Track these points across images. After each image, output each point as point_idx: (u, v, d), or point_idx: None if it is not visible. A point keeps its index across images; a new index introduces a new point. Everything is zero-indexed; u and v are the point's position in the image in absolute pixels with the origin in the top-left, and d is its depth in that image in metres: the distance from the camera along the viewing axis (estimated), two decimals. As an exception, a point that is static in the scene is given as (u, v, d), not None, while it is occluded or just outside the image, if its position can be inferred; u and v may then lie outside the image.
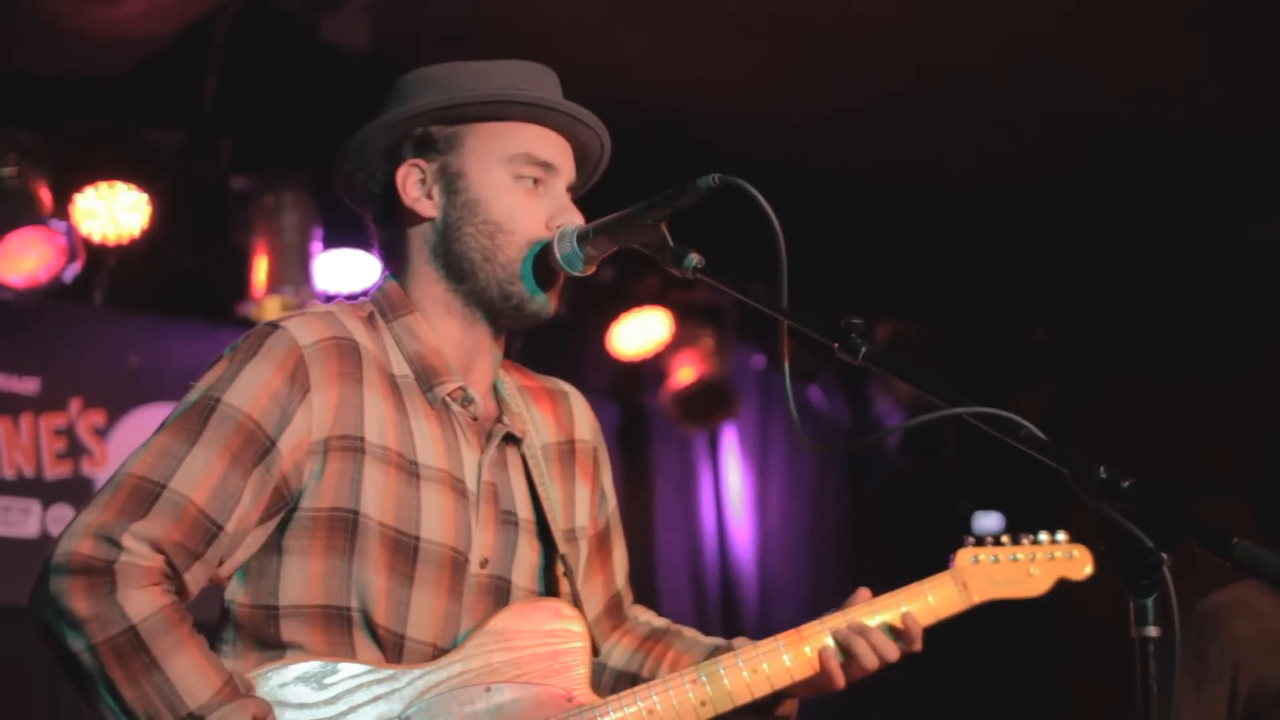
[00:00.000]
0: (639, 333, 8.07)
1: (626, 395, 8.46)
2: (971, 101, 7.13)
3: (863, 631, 3.36)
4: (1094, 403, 8.28)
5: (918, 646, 3.43)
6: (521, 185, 3.24)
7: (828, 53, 6.78)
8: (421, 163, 3.26)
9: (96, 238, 6.64)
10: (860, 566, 8.61)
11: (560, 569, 3.31)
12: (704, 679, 3.25)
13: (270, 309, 6.86)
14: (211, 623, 3.14)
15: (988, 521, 8.70)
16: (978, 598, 3.56)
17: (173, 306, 7.18)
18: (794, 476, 8.93)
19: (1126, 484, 2.56)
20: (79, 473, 6.96)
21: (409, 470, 3.12)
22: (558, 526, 3.32)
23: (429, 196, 3.26)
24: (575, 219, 3.25)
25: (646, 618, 3.62)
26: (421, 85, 3.29)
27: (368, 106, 3.40)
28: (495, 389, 3.36)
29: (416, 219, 3.28)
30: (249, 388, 3.02)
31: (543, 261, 3.22)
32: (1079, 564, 3.67)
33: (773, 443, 8.88)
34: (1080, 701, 8.44)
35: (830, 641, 3.36)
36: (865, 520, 8.97)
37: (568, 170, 3.31)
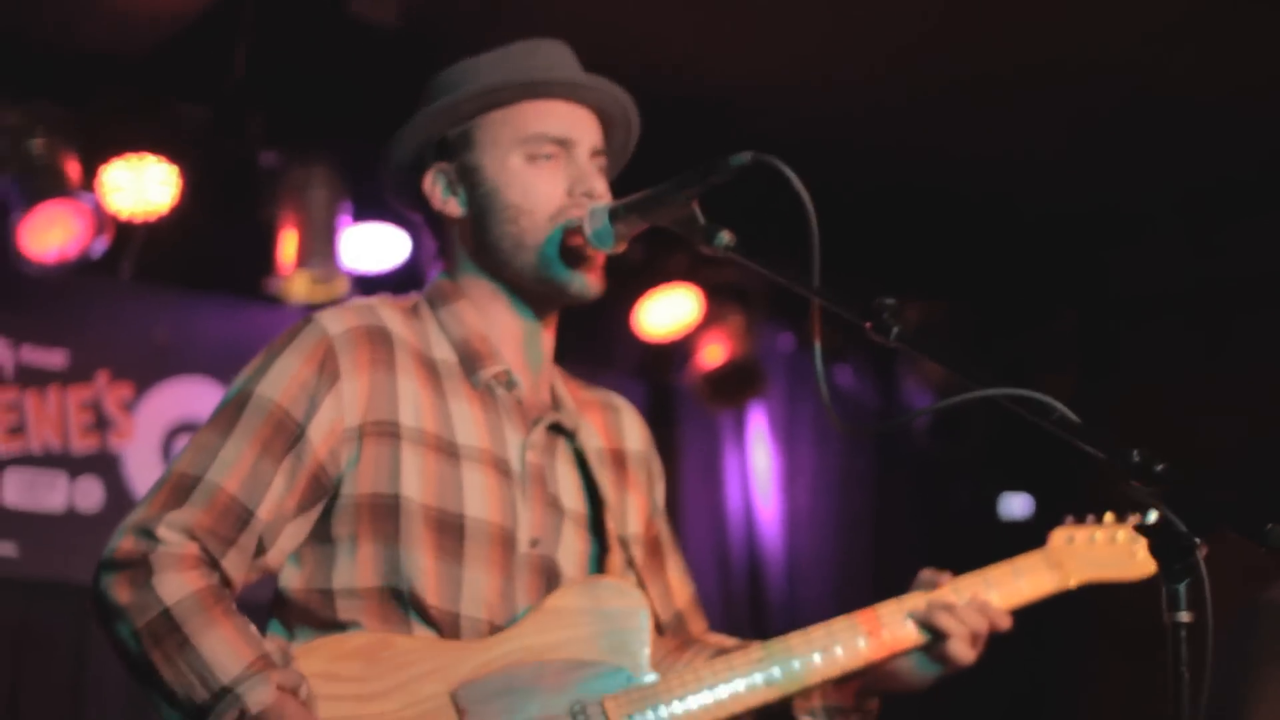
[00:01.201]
0: (667, 312, 8.04)
1: (654, 375, 8.43)
2: (1016, 82, 7.08)
3: (947, 607, 3.26)
4: (1122, 390, 8.23)
5: (1004, 625, 3.31)
6: (537, 163, 3.24)
7: (864, 29, 6.74)
8: (443, 165, 3.30)
9: (124, 212, 6.62)
10: (887, 549, 8.60)
11: (617, 561, 3.28)
12: (769, 658, 3.18)
13: (298, 284, 6.86)
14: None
15: (1016, 502, 8.67)
16: (1074, 580, 3.43)
17: (200, 281, 7.19)
18: (821, 458, 8.90)
19: (1160, 468, 2.52)
20: (105, 446, 6.97)
21: (448, 451, 3.12)
22: (613, 523, 3.30)
23: (455, 196, 3.29)
24: (598, 185, 3.25)
25: (716, 641, 3.49)
26: (437, 90, 3.31)
27: (396, 81, 3.40)
28: (552, 389, 3.36)
29: (450, 221, 3.32)
30: (279, 378, 3.08)
31: (569, 243, 3.20)
32: None
33: (801, 424, 8.84)
34: (1103, 686, 8.41)
35: (909, 622, 3.27)
36: (893, 502, 8.94)
37: (588, 139, 3.29)
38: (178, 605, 2.87)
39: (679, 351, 8.28)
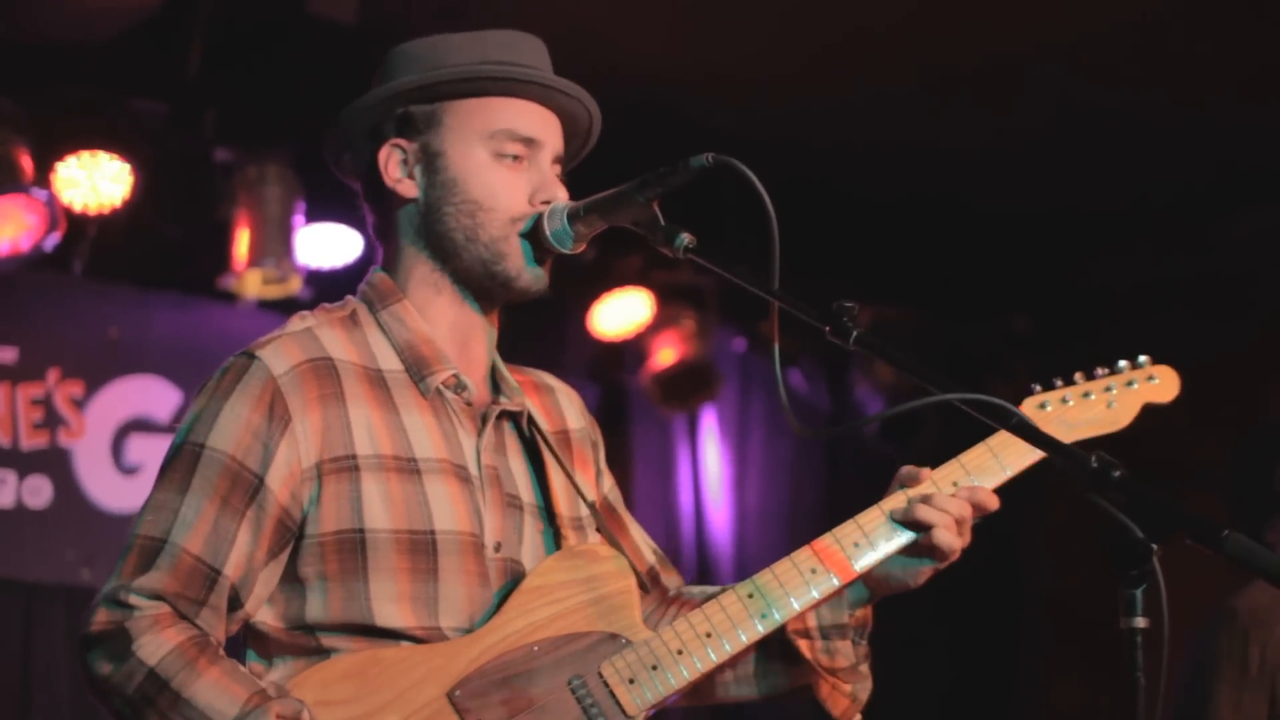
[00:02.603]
0: (620, 313, 8.05)
1: (606, 376, 8.43)
2: (961, 86, 7.11)
3: (925, 499, 3.19)
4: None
5: (993, 505, 3.21)
6: (502, 162, 3.19)
7: (817, 29, 6.75)
8: (403, 143, 3.22)
9: (77, 207, 6.59)
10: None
11: (576, 540, 3.25)
12: (760, 594, 3.15)
13: (252, 282, 6.84)
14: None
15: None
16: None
17: (153, 278, 7.16)
18: (773, 459, 8.92)
19: (1117, 474, 2.54)
20: (55, 443, 6.93)
21: (409, 469, 3.08)
22: (562, 509, 3.27)
23: (410, 177, 3.22)
24: (560, 193, 3.21)
25: (700, 589, 3.44)
26: (404, 62, 3.25)
27: (354, 79, 3.37)
28: (493, 369, 3.31)
29: (400, 200, 3.24)
30: (230, 428, 3.02)
31: (534, 238, 3.18)
32: (1164, 387, 3.44)
33: (752, 426, 8.86)
34: (1057, 693, 8.45)
35: (891, 523, 3.19)
36: (844, 503, 8.76)
37: (552, 143, 3.26)
38: (161, 664, 2.87)
39: (632, 353, 8.28)
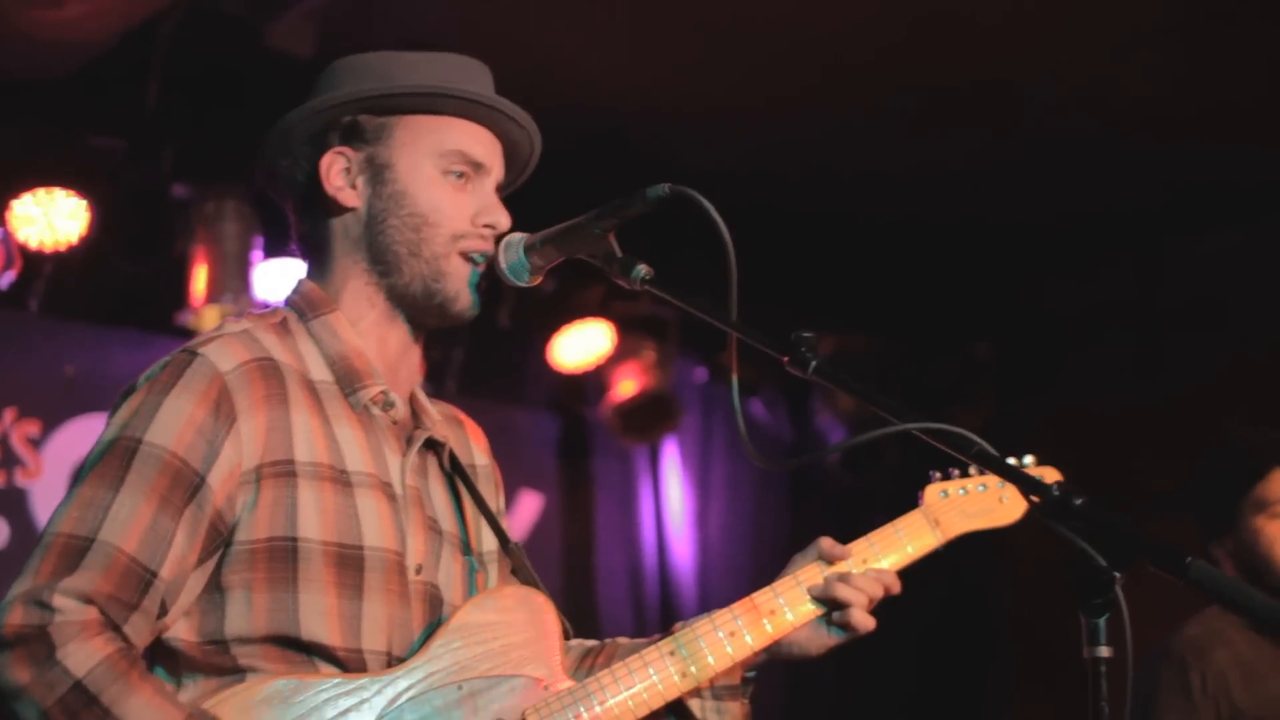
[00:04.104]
0: (581, 345, 8.03)
1: (567, 408, 8.43)
2: (922, 115, 7.13)
3: (843, 578, 3.28)
4: (1039, 420, 8.27)
5: (897, 588, 3.33)
6: (449, 180, 3.19)
7: (782, 64, 6.76)
8: (348, 151, 3.20)
9: (33, 244, 6.54)
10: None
11: (492, 578, 3.26)
12: (681, 651, 3.19)
13: (209, 318, 6.80)
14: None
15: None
16: (950, 533, 3.43)
17: (110, 315, 7.11)
18: (735, 490, 8.91)
19: (1079, 501, 2.54)
20: (12, 483, 6.87)
21: (342, 480, 3.04)
22: (475, 543, 3.27)
23: (353, 186, 3.20)
24: (503, 217, 3.21)
25: (576, 642, 3.46)
26: (352, 73, 3.24)
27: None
28: (413, 397, 3.29)
29: (339, 209, 3.21)
30: (171, 423, 2.92)
31: (489, 271, 3.18)
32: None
33: (714, 456, 8.86)
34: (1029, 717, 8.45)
35: (808, 595, 3.29)
36: (806, 534, 8.72)
37: (497, 169, 3.27)
38: (90, 676, 2.73)
39: (593, 384, 8.27)
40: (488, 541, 3.33)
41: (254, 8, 6.27)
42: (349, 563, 3.01)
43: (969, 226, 8.09)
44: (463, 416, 3.48)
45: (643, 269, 3.02)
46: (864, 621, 3.27)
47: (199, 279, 6.82)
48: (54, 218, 6.56)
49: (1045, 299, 8.70)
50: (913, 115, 7.16)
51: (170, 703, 2.80)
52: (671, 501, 8.74)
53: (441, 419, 3.36)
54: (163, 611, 2.89)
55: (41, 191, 6.53)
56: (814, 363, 2.80)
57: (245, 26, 6.31)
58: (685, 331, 8.18)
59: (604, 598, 8.56)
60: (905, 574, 3.42)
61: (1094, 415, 8.23)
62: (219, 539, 2.95)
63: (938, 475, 3.49)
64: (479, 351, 7.72)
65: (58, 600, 2.77)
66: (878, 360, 8.64)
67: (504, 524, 3.40)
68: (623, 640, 3.44)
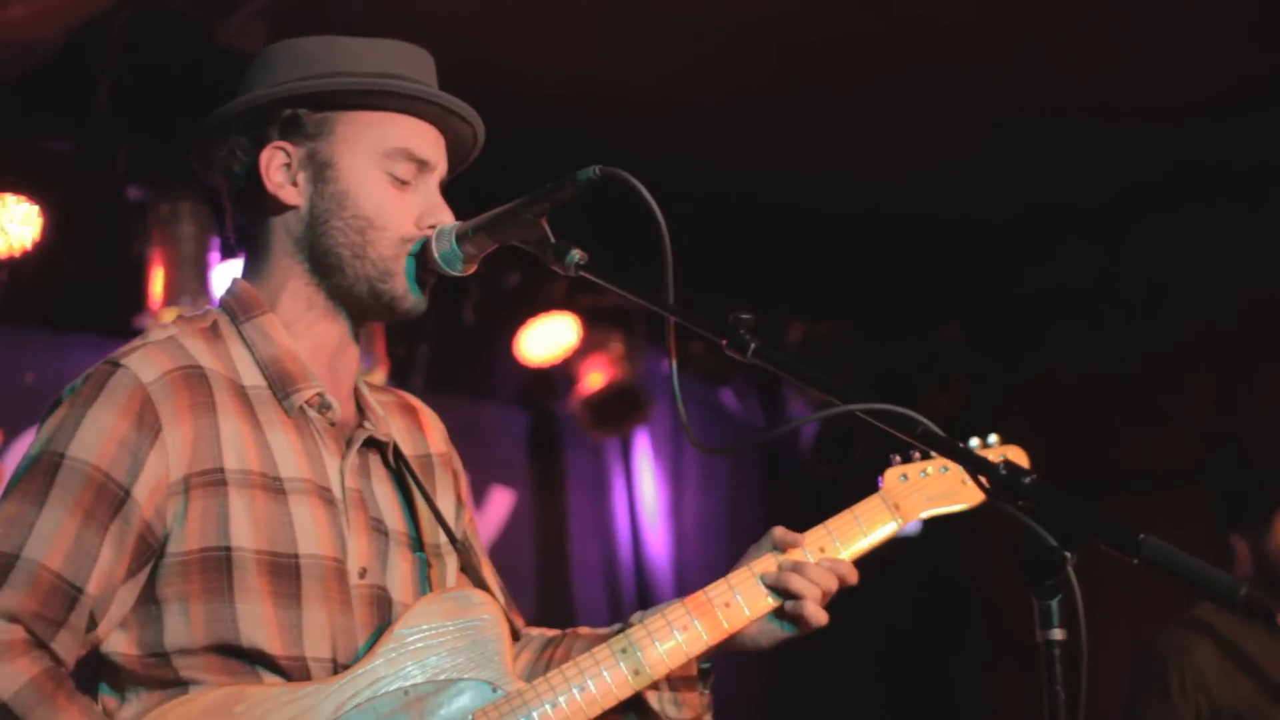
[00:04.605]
0: (547, 338, 7.97)
1: (536, 402, 8.39)
2: (883, 96, 7.09)
3: (796, 568, 3.21)
4: (1011, 399, 8.25)
5: (853, 579, 3.25)
6: (393, 180, 3.11)
7: (743, 51, 6.72)
8: (287, 146, 3.10)
9: (-14, 251, 6.48)
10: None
11: (442, 573, 3.18)
12: (634, 649, 3.12)
13: (167, 321, 6.73)
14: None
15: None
16: (910, 516, 3.37)
17: (68, 321, 7.02)
18: (709, 480, 8.88)
19: (1028, 480, 2.48)
20: (-27, 493, 6.79)
21: (274, 488, 2.96)
22: (427, 537, 3.18)
23: (294, 183, 3.11)
24: (446, 217, 3.13)
25: (539, 632, 3.43)
26: (291, 59, 3.15)
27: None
28: (357, 392, 3.22)
29: (280, 206, 3.12)
30: (93, 437, 2.85)
31: (421, 262, 3.09)
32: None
33: (686, 448, 8.82)
34: (1002, 704, 8.43)
35: (763, 587, 3.21)
36: (780, 520, 8.74)
37: (441, 166, 3.18)
38: (15, 698, 2.69)
39: (561, 378, 8.22)
40: (441, 534, 3.25)
41: (202, 6, 6.20)
42: (284, 571, 2.94)
43: (938, 210, 8.07)
44: (416, 403, 3.41)
45: (576, 254, 2.97)
46: (815, 615, 3.19)
47: (156, 282, 6.74)
48: (7, 224, 6.47)
49: (1013, 280, 8.67)
50: (876, 103, 7.13)
51: None
52: (645, 494, 8.71)
53: (393, 408, 3.30)
54: (91, 625, 2.84)
55: (-8, 197, 6.46)
56: (753, 345, 2.74)
57: (194, 25, 6.24)
58: (652, 322, 8.13)
59: (579, 593, 8.53)
60: (880, 559, 3.37)
61: (1063, 394, 8.21)
62: (149, 551, 2.88)
63: (898, 459, 3.42)
64: (444, 348, 7.66)
65: None
66: (848, 345, 8.60)
67: (465, 516, 3.34)
68: (583, 630, 3.38)
